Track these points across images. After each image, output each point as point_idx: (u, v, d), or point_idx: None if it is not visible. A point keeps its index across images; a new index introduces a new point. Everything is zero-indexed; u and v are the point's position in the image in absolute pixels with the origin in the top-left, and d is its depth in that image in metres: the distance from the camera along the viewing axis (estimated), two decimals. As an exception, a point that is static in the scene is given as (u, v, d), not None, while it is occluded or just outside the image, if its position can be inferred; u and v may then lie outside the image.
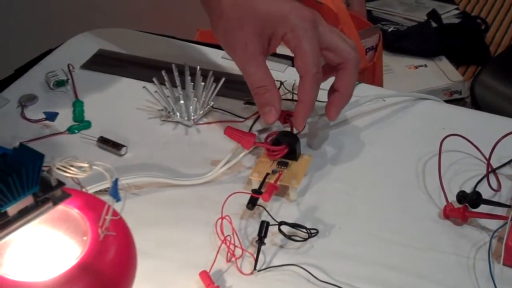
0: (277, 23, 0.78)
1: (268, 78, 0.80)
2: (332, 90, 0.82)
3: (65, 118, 0.89)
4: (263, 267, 0.71)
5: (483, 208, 0.74)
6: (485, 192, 0.76)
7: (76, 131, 0.87)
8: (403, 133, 0.87)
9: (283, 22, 0.78)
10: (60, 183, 0.55)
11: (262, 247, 0.72)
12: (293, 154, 0.79)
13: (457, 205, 0.75)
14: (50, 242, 0.56)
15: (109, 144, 0.84)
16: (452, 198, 0.76)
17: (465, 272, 0.70)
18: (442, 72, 2.15)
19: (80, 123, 0.88)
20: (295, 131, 0.82)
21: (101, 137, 0.85)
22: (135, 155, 0.84)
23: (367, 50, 1.68)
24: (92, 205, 0.57)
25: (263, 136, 0.82)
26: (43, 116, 0.87)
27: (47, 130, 0.87)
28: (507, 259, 0.70)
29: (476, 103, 1.47)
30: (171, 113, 0.88)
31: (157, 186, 0.80)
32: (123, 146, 0.84)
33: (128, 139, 0.85)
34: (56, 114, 0.88)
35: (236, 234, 0.72)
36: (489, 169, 0.78)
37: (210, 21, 0.83)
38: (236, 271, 0.70)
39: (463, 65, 2.29)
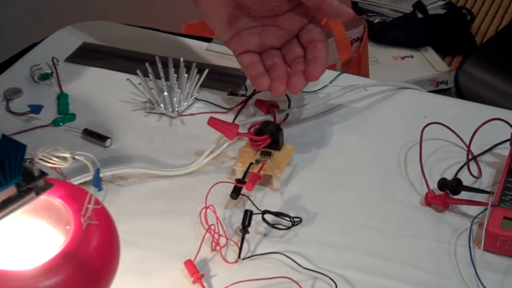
0: None
1: (230, 28, 0.80)
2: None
3: (49, 111, 0.89)
4: (248, 255, 0.71)
5: (464, 195, 0.75)
6: (466, 179, 0.77)
7: (61, 124, 0.87)
8: (385, 122, 0.88)
9: None
10: (43, 173, 0.56)
11: (246, 236, 0.72)
12: (276, 144, 0.80)
13: (438, 192, 0.76)
14: (33, 231, 0.56)
15: (94, 136, 0.85)
16: (434, 185, 0.76)
17: (446, 258, 0.71)
18: (428, 62, 2.16)
19: (65, 115, 0.88)
20: (277, 121, 0.83)
21: (86, 129, 0.86)
22: (119, 146, 0.85)
23: (353, 41, 1.68)
24: (75, 195, 0.58)
25: (247, 126, 0.83)
26: (28, 109, 0.88)
27: (32, 123, 0.88)
28: (488, 245, 0.70)
29: (460, 93, 1.48)
30: (155, 105, 0.89)
31: (142, 177, 0.80)
32: (107, 138, 0.84)
33: (112, 131, 0.86)
34: (40, 107, 0.88)
35: (221, 223, 0.73)
36: (470, 156, 0.79)
37: None
38: (221, 259, 0.71)
39: (449, 56, 2.30)
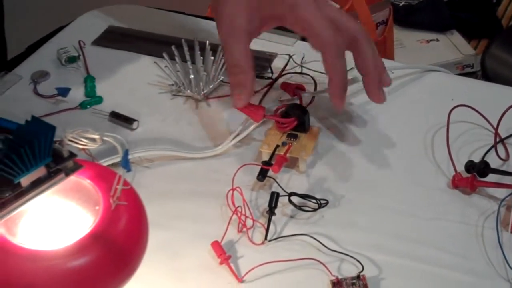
0: (274, 4, 0.75)
1: (245, 58, 0.75)
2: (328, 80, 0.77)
3: (77, 94, 0.90)
4: (274, 237, 0.72)
5: (491, 178, 0.75)
6: (493, 161, 0.77)
7: (88, 106, 0.88)
8: (411, 104, 0.87)
9: (282, 4, 0.75)
10: (72, 155, 0.56)
11: (273, 218, 0.73)
12: (302, 126, 0.80)
13: (465, 174, 0.76)
14: (63, 212, 0.57)
15: (121, 119, 0.85)
16: (461, 168, 0.76)
17: (473, 240, 0.71)
18: (454, 46, 2.14)
19: (92, 98, 0.89)
20: (304, 104, 0.83)
21: (113, 112, 0.86)
22: (146, 129, 0.85)
23: (378, 24, 1.68)
24: (104, 176, 0.58)
25: (273, 108, 0.83)
26: (55, 92, 0.89)
27: (60, 106, 0.88)
28: (515, 227, 0.70)
29: (487, 76, 1.47)
30: (181, 88, 0.89)
31: (168, 159, 0.81)
32: (134, 120, 0.85)
33: (139, 114, 0.86)
34: (68, 89, 0.89)
35: (247, 205, 0.73)
36: (497, 139, 0.79)
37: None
38: (247, 241, 0.71)
39: (475, 39, 2.28)
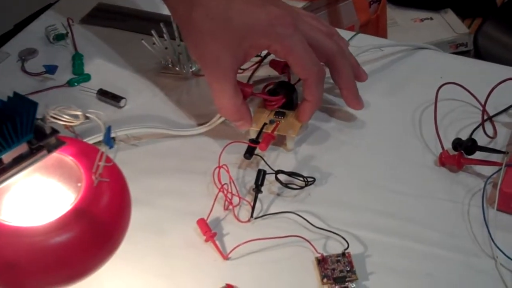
0: (256, 35, 0.74)
1: (237, 97, 0.76)
2: (303, 99, 0.79)
3: (65, 71, 0.89)
4: (260, 214, 0.72)
5: (478, 155, 0.75)
6: (481, 139, 0.77)
7: (76, 84, 0.88)
8: (400, 82, 0.87)
9: (264, 34, 0.74)
10: (54, 131, 0.56)
11: (259, 195, 0.72)
12: (290, 104, 0.80)
13: (452, 152, 0.76)
14: (45, 188, 0.57)
15: (109, 96, 0.85)
16: (448, 145, 0.76)
17: (459, 218, 0.71)
18: (448, 24, 2.13)
19: (80, 76, 0.89)
20: (292, 81, 0.83)
21: (101, 89, 0.86)
22: (134, 107, 0.85)
23: (371, 2, 1.67)
24: (86, 153, 0.58)
25: (261, 86, 0.83)
26: (43, 69, 0.88)
27: (47, 83, 0.88)
28: (501, 205, 0.70)
29: (479, 54, 1.47)
30: (170, 65, 0.88)
31: (156, 137, 0.80)
32: (122, 98, 0.85)
33: (127, 91, 0.86)
34: (55, 67, 0.89)
35: (233, 183, 0.73)
36: (485, 117, 0.78)
37: (179, 28, 0.80)
38: (233, 218, 0.71)
39: (469, 18, 2.27)
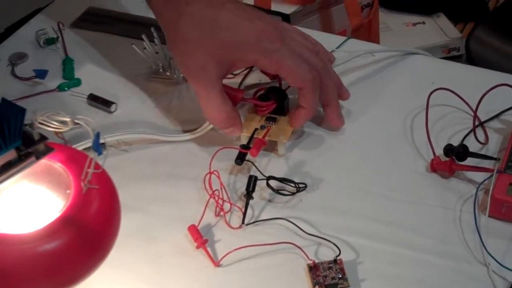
0: (244, 51, 0.75)
1: (225, 104, 0.76)
2: (297, 105, 0.79)
3: (55, 76, 0.89)
4: (251, 221, 0.71)
5: (470, 162, 0.74)
6: (473, 145, 0.76)
7: (66, 89, 0.87)
8: (392, 87, 0.87)
9: (252, 50, 0.75)
10: (43, 137, 0.55)
11: (251, 202, 0.72)
12: (281, 110, 0.80)
13: (444, 158, 0.75)
14: (34, 195, 0.56)
15: (99, 101, 0.84)
16: (440, 151, 0.76)
17: (451, 224, 0.71)
18: (440, 29, 2.13)
19: (70, 80, 0.88)
20: (283, 87, 0.82)
21: (91, 94, 0.85)
22: (124, 112, 0.84)
23: (363, 7, 1.67)
24: (75, 159, 0.58)
25: (252, 91, 0.82)
26: (33, 74, 0.88)
27: (37, 88, 0.87)
28: (493, 211, 0.70)
29: (471, 59, 1.47)
30: (160, 70, 0.88)
31: (147, 143, 0.80)
32: (112, 103, 0.84)
33: (118, 96, 0.86)
34: (46, 72, 0.88)
35: (225, 189, 0.73)
36: (476, 122, 0.78)
37: (165, 35, 0.79)
38: (225, 225, 0.71)
39: (461, 22, 2.27)
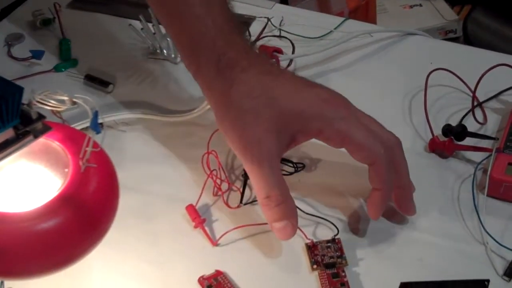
0: (306, 119, 0.65)
1: (281, 186, 0.65)
2: (372, 190, 0.68)
3: (51, 57, 0.89)
4: (249, 200, 0.71)
5: (468, 141, 0.74)
6: (471, 125, 0.76)
7: (63, 70, 0.87)
8: (390, 68, 0.87)
9: (316, 118, 0.65)
10: (41, 116, 0.55)
11: (248, 181, 0.72)
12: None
13: (442, 138, 0.75)
14: (32, 174, 0.56)
15: (96, 82, 0.84)
16: (438, 132, 0.76)
17: (449, 204, 0.71)
18: (437, 11, 2.12)
19: (67, 61, 0.88)
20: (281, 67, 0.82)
21: (88, 75, 0.85)
22: (122, 92, 0.84)
23: (360, -11, 1.66)
24: (73, 138, 0.57)
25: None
26: (30, 54, 0.87)
27: (34, 69, 0.87)
28: (491, 191, 0.70)
29: (469, 41, 1.46)
30: (157, 51, 0.88)
31: (144, 123, 0.80)
32: (109, 83, 0.84)
33: (114, 77, 0.85)
34: (42, 52, 0.88)
35: (223, 169, 0.73)
36: (475, 103, 0.78)
37: (214, 110, 0.69)
38: (223, 204, 0.71)
39: (458, 4, 2.26)
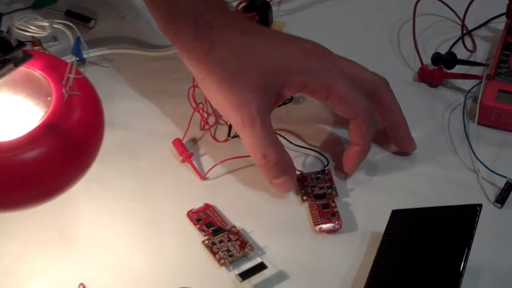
0: (290, 72, 0.65)
1: (276, 143, 0.64)
2: (350, 144, 0.67)
3: (30, -7, 0.86)
4: (237, 133, 0.70)
5: (458, 69, 0.74)
6: (461, 53, 0.75)
7: (42, 6, 0.84)
8: (376, -2, 0.85)
9: (299, 71, 0.65)
10: (21, 44, 0.53)
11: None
12: (264, 21, 0.78)
13: (432, 67, 0.74)
14: (13, 104, 0.55)
15: (77, 18, 0.82)
16: (427, 61, 0.75)
17: (440, 132, 0.70)
18: None
19: (46, -3, 0.86)
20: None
21: (68, 10, 0.83)
22: (104, 28, 0.82)
23: None
24: (55, 66, 0.56)
25: (235, 3, 0.80)
26: (7, -9, 0.85)
27: (12, 6, 0.85)
28: (482, 118, 0.69)
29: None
30: (140, -15, 0.86)
31: (128, 58, 0.78)
32: (91, 19, 0.82)
33: (96, 12, 0.83)
34: (20, -12, 0.86)
35: (209, 102, 0.71)
36: (464, 31, 0.77)
37: (193, 73, 0.68)
38: (210, 138, 0.70)
39: None
